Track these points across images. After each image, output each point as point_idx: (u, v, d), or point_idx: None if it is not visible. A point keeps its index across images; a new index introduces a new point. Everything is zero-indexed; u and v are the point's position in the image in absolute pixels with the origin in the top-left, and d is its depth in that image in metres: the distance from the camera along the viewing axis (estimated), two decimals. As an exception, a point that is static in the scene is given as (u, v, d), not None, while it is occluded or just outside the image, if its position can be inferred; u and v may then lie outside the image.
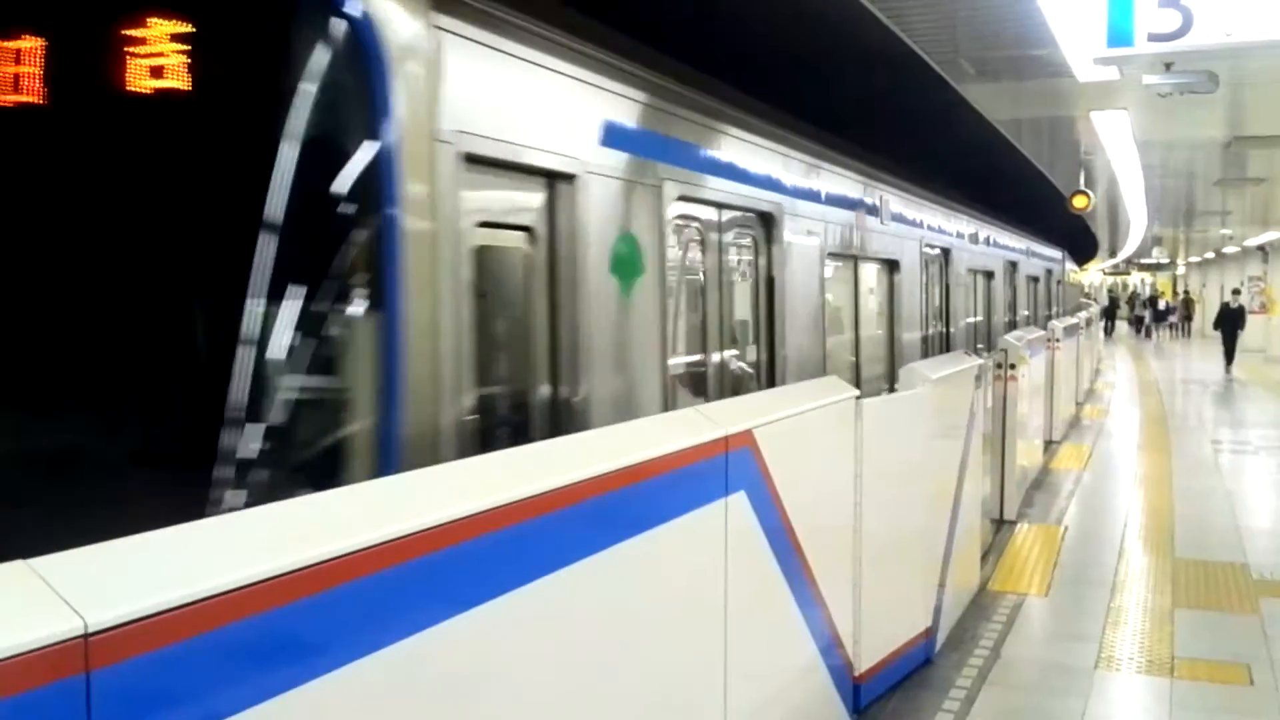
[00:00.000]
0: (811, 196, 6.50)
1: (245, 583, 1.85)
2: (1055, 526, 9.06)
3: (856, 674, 4.97)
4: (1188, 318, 40.96)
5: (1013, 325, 14.80)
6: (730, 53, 6.46)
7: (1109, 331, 41.16)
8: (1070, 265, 26.93)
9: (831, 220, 6.75)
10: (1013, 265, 15.14)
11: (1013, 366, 9.21)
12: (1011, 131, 11.55)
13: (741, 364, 5.86)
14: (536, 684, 2.70)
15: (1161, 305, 41.70)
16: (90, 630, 1.60)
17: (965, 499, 6.58)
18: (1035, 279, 18.29)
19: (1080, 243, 30.38)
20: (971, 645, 6.10)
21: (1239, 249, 31.73)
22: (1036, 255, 18.50)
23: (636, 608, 3.18)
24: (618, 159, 4.31)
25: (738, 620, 3.73)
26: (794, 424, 4.30)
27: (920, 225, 9.13)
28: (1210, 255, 38.66)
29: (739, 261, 5.82)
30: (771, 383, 5.93)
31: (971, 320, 12.27)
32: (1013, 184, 16.71)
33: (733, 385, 5.72)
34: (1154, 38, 5.13)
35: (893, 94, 9.34)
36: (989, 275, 13.19)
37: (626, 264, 4.33)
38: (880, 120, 9.96)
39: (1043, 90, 8.69)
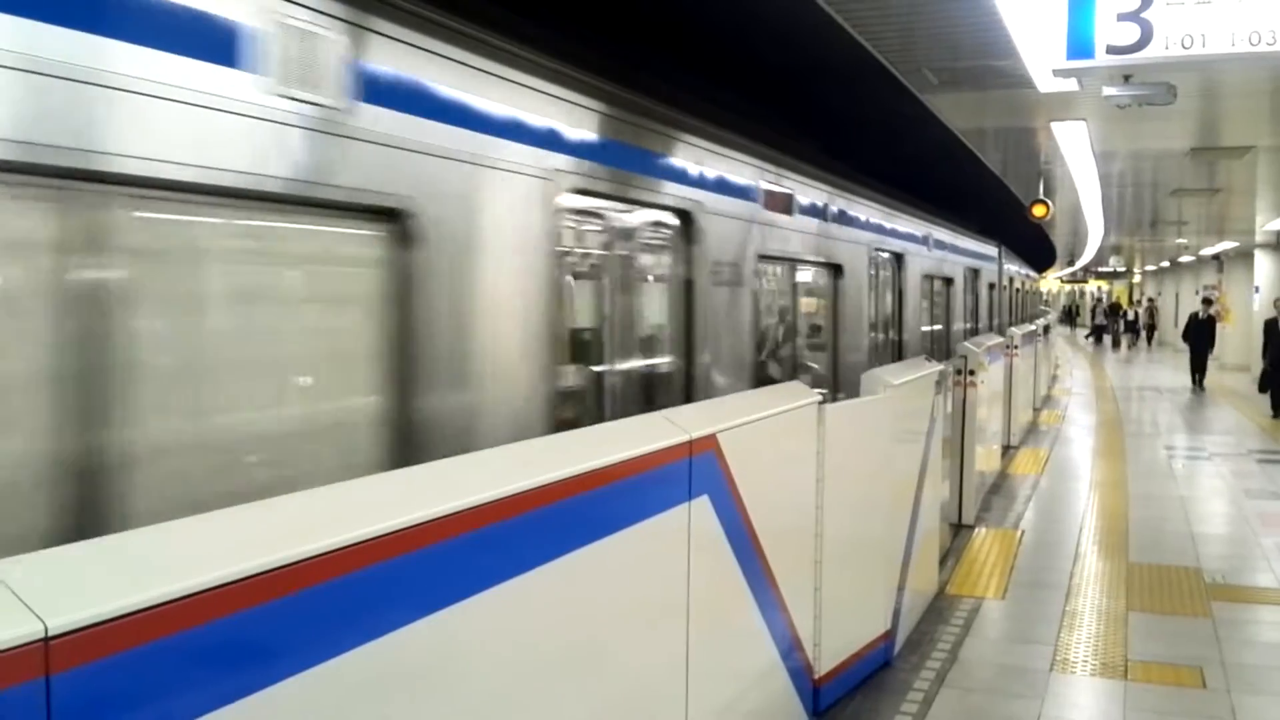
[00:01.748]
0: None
1: (210, 585, 1.84)
2: (1012, 531, 9.16)
3: (816, 676, 5.01)
4: (1151, 326, 41.27)
5: (896, 351, 10.17)
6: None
7: (1099, 340, 41.16)
8: (1016, 266, 22.69)
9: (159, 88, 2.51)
10: (896, 259, 9.99)
11: (972, 373, 9.32)
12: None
13: None
14: (501, 685, 2.70)
15: (1131, 315, 41.83)
16: (51, 634, 1.59)
17: (925, 503, 6.64)
18: (947, 280, 13.00)
19: (1039, 251, 30.71)
20: (930, 648, 6.17)
21: (1194, 258, 32.23)
22: (947, 247, 12.78)
23: (600, 610, 3.19)
24: None
25: (700, 623, 3.75)
26: (758, 428, 4.33)
27: (603, 155, 4.48)
28: (1165, 264, 39.21)
29: None
30: None
31: (780, 349, 7.45)
32: (958, 181, 15.04)
33: None
34: (1113, 50, 5.21)
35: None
36: (835, 270, 8.02)
37: None
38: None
39: (1004, 100, 8.78)
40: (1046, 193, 14.52)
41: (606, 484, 3.17)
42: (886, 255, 9.68)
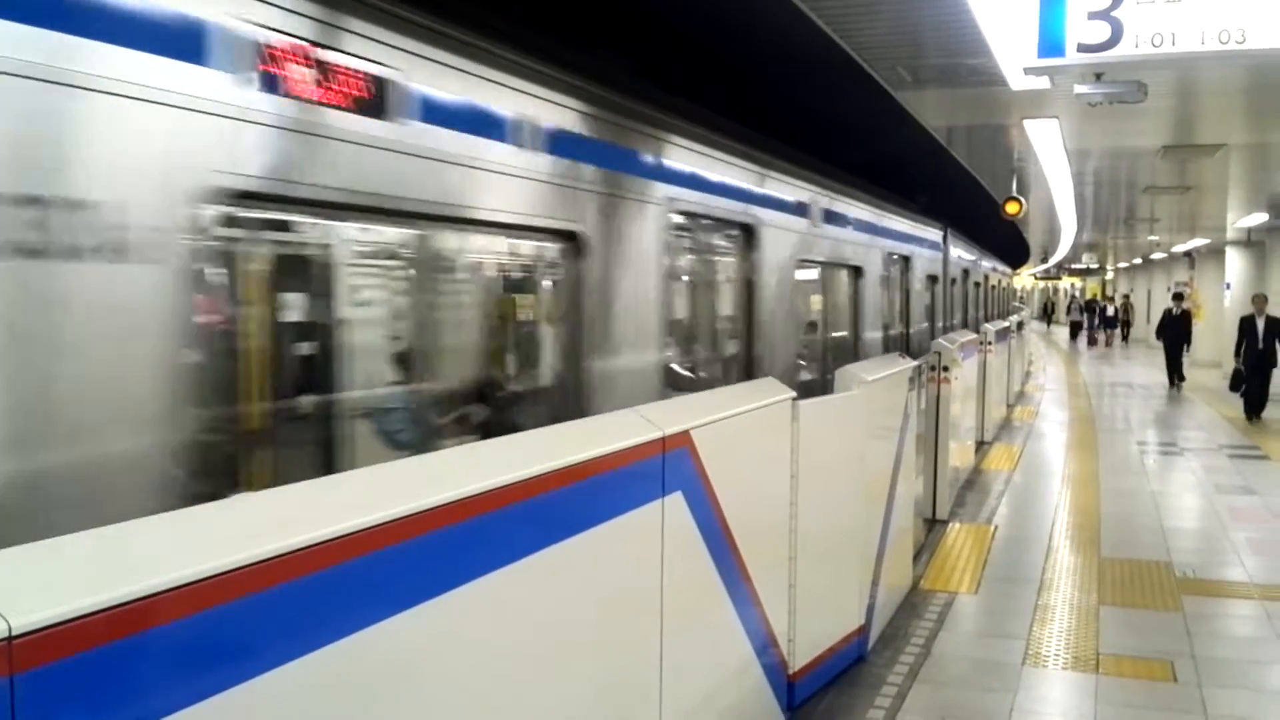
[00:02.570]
0: None
1: (176, 584, 1.83)
2: (986, 526, 9.22)
3: (791, 672, 5.02)
4: (1126, 323, 41.51)
5: (744, 373, 6.84)
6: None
7: (1075, 336, 41.37)
8: (975, 256, 19.60)
9: None
10: (746, 232, 6.74)
11: (946, 369, 9.36)
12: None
13: None
14: (474, 682, 2.69)
15: (1110, 311, 42.06)
16: (14, 633, 1.57)
17: (899, 499, 6.67)
18: (855, 271, 9.43)
19: (1012, 247, 30.90)
20: (903, 643, 6.20)
21: (1166, 255, 32.52)
22: (851, 222, 9.14)
23: (573, 607, 3.19)
24: None
25: (674, 619, 3.75)
26: (731, 425, 4.34)
27: None
28: (1138, 261, 39.51)
29: None
30: None
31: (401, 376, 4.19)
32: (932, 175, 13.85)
33: None
34: (1084, 49, 5.25)
35: None
36: (568, 241, 4.63)
37: None
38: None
39: (976, 98, 8.82)
40: (1020, 190, 14.59)
41: (578, 480, 3.17)
42: (715, 224, 6.37)
